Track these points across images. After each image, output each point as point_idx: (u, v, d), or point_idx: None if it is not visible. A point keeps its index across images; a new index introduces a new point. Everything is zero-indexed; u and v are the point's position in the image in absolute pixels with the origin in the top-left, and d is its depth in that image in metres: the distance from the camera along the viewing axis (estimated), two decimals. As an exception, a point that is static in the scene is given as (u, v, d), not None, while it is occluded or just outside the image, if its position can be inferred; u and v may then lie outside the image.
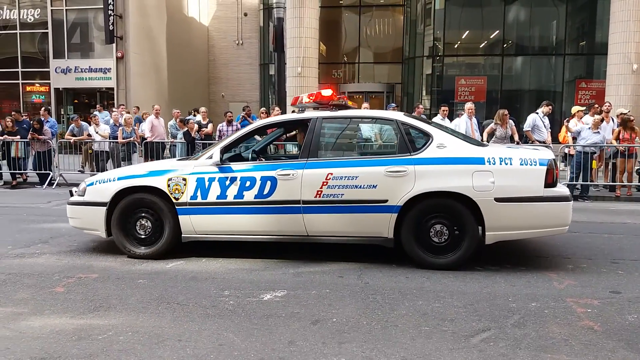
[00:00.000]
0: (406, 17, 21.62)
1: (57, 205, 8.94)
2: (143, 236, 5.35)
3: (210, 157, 5.20)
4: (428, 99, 19.82)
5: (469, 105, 10.73)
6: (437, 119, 10.63)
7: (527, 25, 19.42)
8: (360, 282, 4.48)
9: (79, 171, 12.35)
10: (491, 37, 19.62)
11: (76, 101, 19.07)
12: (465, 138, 5.42)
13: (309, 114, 5.56)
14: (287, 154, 6.52)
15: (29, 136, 11.47)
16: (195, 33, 23.84)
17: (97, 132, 12.01)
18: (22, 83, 18.69)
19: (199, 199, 5.15)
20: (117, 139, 11.46)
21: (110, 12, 16.80)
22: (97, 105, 14.49)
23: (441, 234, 4.84)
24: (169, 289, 4.29)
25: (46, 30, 18.18)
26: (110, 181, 5.39)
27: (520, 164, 4.74)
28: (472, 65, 20.35)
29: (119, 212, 5.30)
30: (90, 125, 12.64)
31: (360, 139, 5.85)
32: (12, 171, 11.68)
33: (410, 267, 4.90)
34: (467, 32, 19.97)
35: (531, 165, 4.73)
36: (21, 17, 18.29)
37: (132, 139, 11.46)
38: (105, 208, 5.30)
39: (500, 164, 4.73)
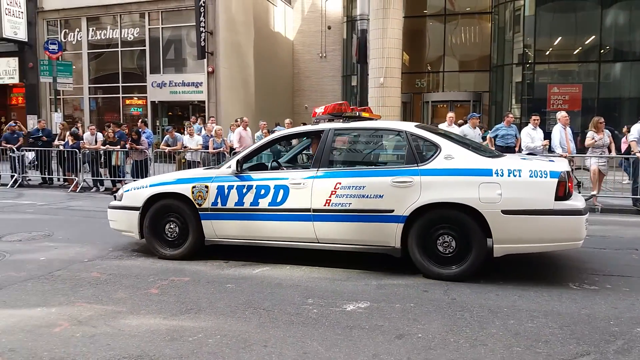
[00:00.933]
0: (494, 24, 20.94)
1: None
2: (170, 239, 5.74)
3: (230, 167, 5.52)
4: (518, 107, 19.00)
5: (562, 114, 10.15)
6: (529, 129, 10.15)
7: (627, 29, 18.10)
8: (447, 297, 4.34)
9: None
10: (586, 42, 18.49)
11: (170, 113, 20.23)
12: (477, 149, 5.25)
13: (322, 125, 5.67)
14: (304, 164, 6.54)
15: (128, 146, 12.30)
16: (280, 47, 24.54)
17: (194, 140, 12.63)
18: (122, 97, 20.13)
19: (219, 205, 5.47)
20: (208, 149, 11.99)
21: (201, 29, 17.71)
22: (192, 117, 15.22)
23: (448, 245, 4.80)
24: (255, 295, 4.39)
25: (144, 48, 19.49)
26: (143, 188, 5.86)
27: (530, 176, 4.62)
28: (565, 72, 19.27)
29: (150, 216, 5.74)
30: (184, 135, 13.32)
31: (369, 149, 5.92)
32: (112, 178, 12.59)
33: (500, 284, 4.68)
34: (560, 38, 18.97)
35: (541, 177, 4.60)
36: (122, 36, 19.74)
37: (222, 149, 11.94)
38: (138, 212, 5.75)
39: (509, 175, 4.65)
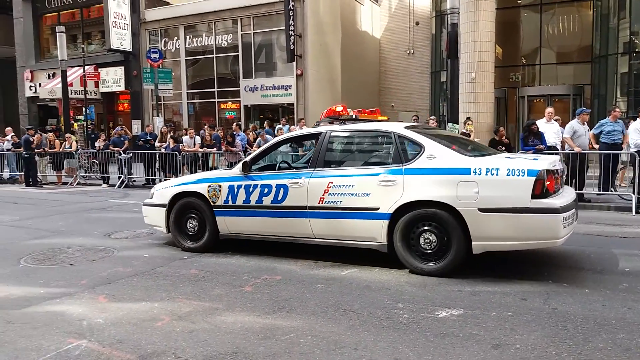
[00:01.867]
0: (596, 11, 19.45)
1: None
2: (191, 233, 6.35)
3: (239, 168, 6.02)
4: (624, 100, 17.52)
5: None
6: (637, 124, 9.32)
7: None
8: (547, 307, 4.08)
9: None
10: None
11: (261, 116, 20.86)
12: (463, 149, 5.34)
13: (320, 128, 6.07)
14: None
15: (223, 148, 12.85)
16: (367, 46, 24.47)
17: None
18: (217, 101, 21.08)
19: (230, 203, 6.00)
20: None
21: (291, 32, 18.09)
22: (282, 119, 15.60)
23: (430, 241, 4.98)
24: (345, 296, 4.40)
25: (237, 53, 20.25)
26: (169, 187, 6.57)
27: (507, 175, 4.69)
28: (680, 60, 17.48)
29: (175, 212, 6.41)
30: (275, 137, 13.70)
31: (361, 150, 6.10)
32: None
33: (607, 293, 4.33)
34: (674, 22, 17.24)
35: (519, 175, 4.64)
36: (217, 42, 20.66)
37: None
38: (165, 209, 6.45)
39: (487, 174, 4.74)
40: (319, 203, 5.45)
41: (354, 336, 3.54)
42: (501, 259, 5.54)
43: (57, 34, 17.07)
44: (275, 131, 14.12)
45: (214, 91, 20.97)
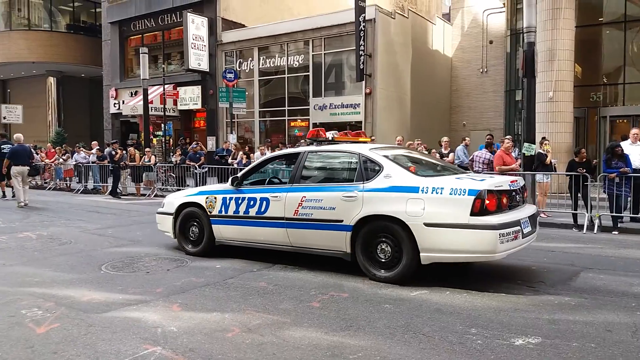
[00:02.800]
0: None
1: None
2: (192, 239, 7.07)
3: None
4: None
5: None
6: None
7: None
8: (635, 340, 3.78)
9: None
10: None
11: (329, 134, 21.10)
12: (418, 169, 5.76)
13: (300, 148, 6.83)
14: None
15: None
16: (438, 65, 24.18)
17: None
18: (287, 119, 21.52)
19: (223, 213, 6.70)
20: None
21: (361, 52, 18.20)
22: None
23: (385, 251, 5.49)
24: (414, 318, 4.28)
25: (307, 73, 20.63)
26: (177, 198, 7.35)
27: (450, 194, 5.14)
28: None
29: (180, 220, 7.16)
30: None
31: (332, 168, 6.55)
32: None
33: None
34: None
35: (460, 194, 5.08)
36: (288, 63, 21.16)
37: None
38: (172, 217, 7.21)
39: (432, 192, 5.22)
40: (294, 215, 6.05)
41: None
42: (580, 288, 5.23)
43: (141, 54, 18.15)
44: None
45: (285, 109, 21.43)
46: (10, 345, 3.71)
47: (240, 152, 14.92)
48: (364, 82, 18.61)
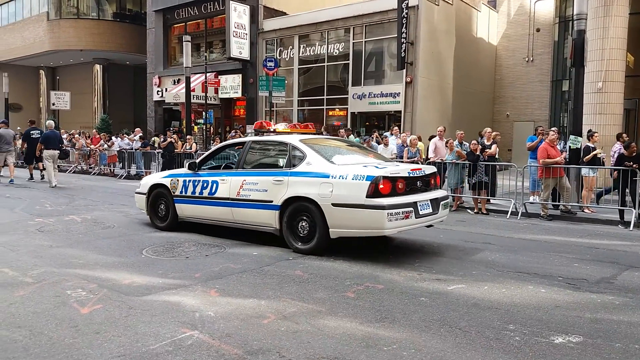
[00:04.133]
0: None
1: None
2: (161, 216, 8.09)
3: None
4: None
5: None
6: None
7: None
8: (685, 343, 3.61)
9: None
10: None
11: (367, 123, 20.89)
12: (330, 158, 6.55)
13: (245, 138, 8.22)
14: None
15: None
16: (482, 53, 23.56)
17: (388, 149, 12.87)
18: (325, 108, 21.46)
19: (183, 193, 7.72)
20: (402, 158, 12.08)
21: (403, 40, 17.90)
22: (394, 128, 15.33)
23: (304, 227, 6.37)
24: (451, 312, 4.23)
25: (347, 62, 20.46)
26: (150, 180, 8.41)
27: (352, 179, 5.98)
28: None
29: (151, 199, 8.20)
30: (379, 145, 13.64)
31: (269, 156, 7.37)
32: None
33: None
34: None
35: (359, 180, 5.92)
36: (328, 51, 21.05)
37: (416, 158, 11.91)
38: (145, 196, 8.28)
39: (339, 178, 6.08)
40: (236, 196, 7.00)
41: (460, 355, 3.39)
42: (624, 287, 5.04)
43: (184, 43, 18.41)
44: (383, 138, 14.02)
45: (323, 98, 21.36)
46: (56, 324, 3.87)
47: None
48: (404, 70, 18.33)
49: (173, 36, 26.56)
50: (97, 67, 32.71)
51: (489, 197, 11.03)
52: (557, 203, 10.48)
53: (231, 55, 21.85)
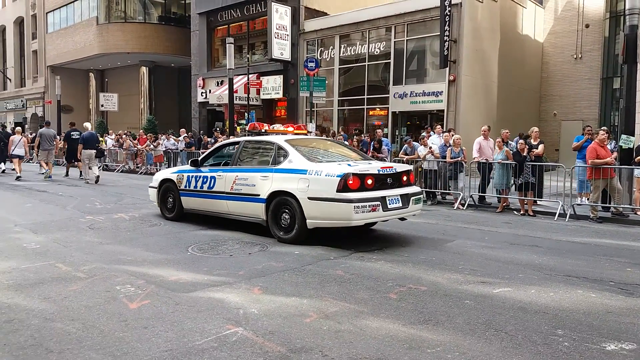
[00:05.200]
0: None
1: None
2: (169, 207, 8.93)
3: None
4: None
5: None
6: None
7: None
8: None
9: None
10: None
11: (409, 123, 20.67)
12: (309, 156, 7.22)
13: (240, 138, 9.19)
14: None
15: (370, 154, 12.99)
16: (528, 51, 22.95)
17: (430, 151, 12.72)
18: (366, 108, 21.38)
19: (187, 187, 8.54)
20: (445, 158, 11.91)
21: (445, 38, 17.64)
22: (438, 127, 15.14)
23: (285, 219, 7.02)
24: (496, 316, 4.14)
25: (388, 61, 20.32)
26: (161, 175, 9.31)
27: (325, 175, 6.63)
28: None
29: (161, 192, 9.07)
30: (419, 145, 13.47)
31: (259, 154, 8.01)
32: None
33: None
34: None
35: (331, 176, 6.57)
36: (369, 50, 20.97)
37: (459, 158, 11.72)
38: (156, 190, 9.16)
39: (315, 174, 6.72)
40: (230, 190, 7.73)
41: (506, 359, 3.31)
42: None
43: (227, 45, 18.71)
44: (421, 139, 13.84)
45: (364, 98, 21.29)
46: (107, 318, 4.01)
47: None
48: (447, 69, 18.06)
49: (216, 38, 27.04)
50: (144, 70, 33.64)
51: (536, 199, 10.73)
52: (607, 205, 10.11)
53: (273, 57, 22.07)
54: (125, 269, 5.48)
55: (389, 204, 6.75)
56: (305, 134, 9.52)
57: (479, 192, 11.75)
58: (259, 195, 7.27)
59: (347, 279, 5.20)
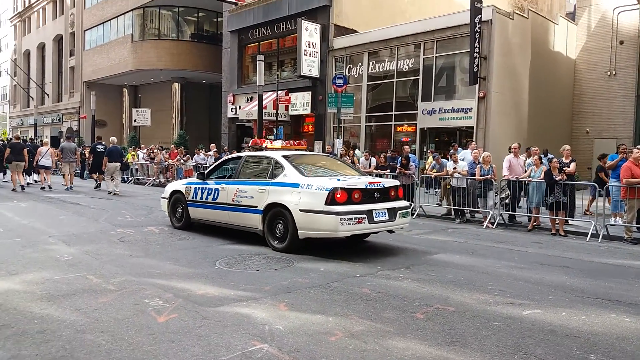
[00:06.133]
0: None
1: (417, 234, 9.73)
2: (178, 217, 9.52)
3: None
4: None
5: None
6: None
7: None
8: None
9: (437, 204, 13.19)
10: None
11: (437, 139, 20.55)
12: (303, 171, 7.67)
13: (242, 153, 9.81)
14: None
15: (397, 170, 12.94)
16: (560, 67, 22.62)
17: (459, 166, 12.59)
18: (393, 124, 21.35)
19: (194, 198, 9.12)
20: (474, 175, 11.77)
21: (475, 54, 17.55)
22: (472, 143, 14.99)
23: (280, 229, 7.47)
24: (526, 339, 4.05)
25: (417, 77, 20.28)
26: (171, 186, 9.94)
27: (315, 189, 7.06)
28: None
29: (170, 203, 9.69)
30: (448, 161, 13.37)
31: (258, 168, 8.46)
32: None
33: None
34: None
35: (320, 190, 7.00)
36: (398, 67, 21.00)
37: (489, 176, 11.56)
38: (167, 200, 9.78)
39: (306, 188, 7.17)
40: (232, 201, 8.25)
41: (536, 384, 3.23)
42: None
43: (257, 62, 18.98)
44: (450, 155, 13.74)
45: (391, 114, 21.27)
46: (135, 331, 4.07)
47: (346, 157, 15.09)
48: (477, 85, 17.94)
49: (247, 56, 27.49)
50: (176, 86, 34.39)
51: (567, 218, 10.49)
52: (643, 226, 9.80)
53: (301, 73, 22.29)
54: (154, 282, 5.57)
55: (375, 217, 7.20)
56: (305, 150, 9.93)
57: (508, 211, 11.55)
58: (256, 207, 7.78)
59: (373, 298, 5.16)
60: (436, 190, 14.21)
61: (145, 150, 24.39)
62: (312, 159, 8.98)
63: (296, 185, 7.32)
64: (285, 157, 8.12)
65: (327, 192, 6.92)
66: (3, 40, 59.39)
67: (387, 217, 7.33)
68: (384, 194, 7.53)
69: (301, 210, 7.09)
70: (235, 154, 10.76)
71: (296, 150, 9.45)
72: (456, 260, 7.23)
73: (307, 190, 7.15)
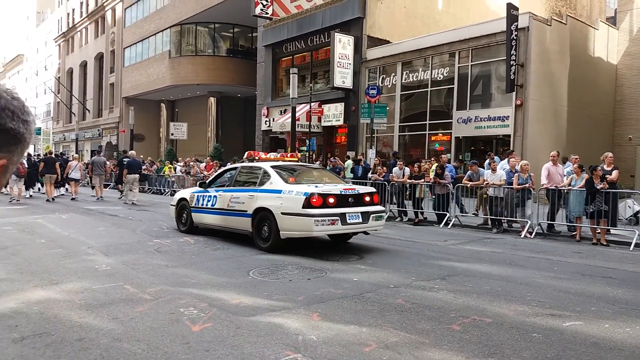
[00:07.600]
0: None
1: (453, 244, 9.55)
2: (183, 222, 10.46)
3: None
4: None
5: None
6: None
7: None
8: None
9: (473, 214, 12.93)
10: None
11: (473, 148, 20.20)
12: (287, 179, 8.55)
13: (237, 164, 10.96)
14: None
15: (432, 180, 12.78)
16: (600, 73, 21.97)
17: (497, 175, 12.34)
18: (428, 133, 21.13)
19: (196, 205, 10.06)
20: (512, 184, 11.50)
21: (512, 62, 17.24)
22: (513, 153, 14.69)
23: (265, 231, 8.25)
24: (567, 351, 3.90)
25: (452, 86, 20.05)
26: (179, 194, 11.06)
27: (295, 194, 7.95)
28: None
29: (177, 209, 10.69)
30: (485, 170, 13.12)
31: (251, 177, 9.25)
32: (415, 210, 13.24)
33: None
34: None
35: (299, 195, 7.87)
36: (432, 76, 20.82)
37: (527, 185, 11.28)
38: (174, 207, 10.78)
39: (287, 193, 8.08)
40: (227, 207, 9.13)
41: (579, 399, 3.10)
42: None
43: (291, 75, 19.19)
44: (485, 166, 13.48)
45: (426, 123, 21.07)
46: (170, 340, 4.13)
47: (379, 167, 15.03)
48: (514, 93, 17.59)
49: (281, 69, 27.80)
50: (212, 100, 35.06)
51: (609, 227, 10.11)
52: (693, 236, 9.36)
53: (334, 85, 22.37)
54: (189, 292, 5.63)
55: (349, 220, 7.96)
56: (296, 161, 10.93)
57: (547, 220, 11.23)
58: (247, 211, 8.60)
59: (407, 309, 5.09)
60: (470, 198, 13.95)
61: (182, 163, 24.89)
62: (299, 169, 9.85)
63: (279, 192, 8.21)
64: (274, 167, 8.94)
65: (305, 196, 7.73)
66: (48, 60, 61.93)
67: (360, 220, 8.09)
68: (358, 199, 8.30)
69: (282, 214, 7.91)
70: (233, 165, 11.83)
71: (287, 161, 10.32)
72: (493, 271, 7.06)
73: (288, 196, 8.01)
